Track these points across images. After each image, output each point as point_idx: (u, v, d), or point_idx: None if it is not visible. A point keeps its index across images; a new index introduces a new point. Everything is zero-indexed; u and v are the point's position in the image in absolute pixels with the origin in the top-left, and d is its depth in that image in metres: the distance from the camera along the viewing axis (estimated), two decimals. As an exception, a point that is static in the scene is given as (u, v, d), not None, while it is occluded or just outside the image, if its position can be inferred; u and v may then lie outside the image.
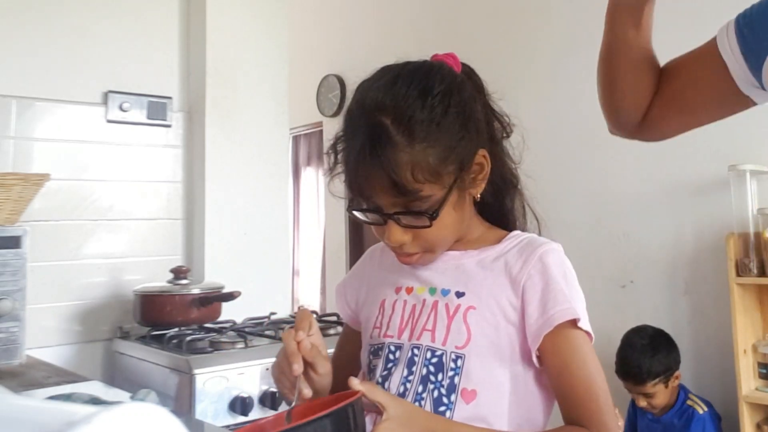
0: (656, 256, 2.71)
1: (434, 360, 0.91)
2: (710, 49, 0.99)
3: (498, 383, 0.90)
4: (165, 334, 2.03)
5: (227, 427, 1.74)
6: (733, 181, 2.38)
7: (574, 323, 0.89)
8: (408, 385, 0.91)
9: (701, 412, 2.33)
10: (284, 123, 2.62)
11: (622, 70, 1.05)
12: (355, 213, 0.93)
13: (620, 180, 2.84)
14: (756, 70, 0.93)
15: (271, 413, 1.86)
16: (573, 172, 2.97)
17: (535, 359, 0.90)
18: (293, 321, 2.42)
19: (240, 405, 1.84)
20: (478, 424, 0.88)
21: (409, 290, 0.98)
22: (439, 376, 0.90)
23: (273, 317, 2.28)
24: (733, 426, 2.32)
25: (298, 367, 0.86)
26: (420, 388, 0.90)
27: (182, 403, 1.81)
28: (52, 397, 1.33)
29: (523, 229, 1.02)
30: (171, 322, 2.08)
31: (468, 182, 0.92)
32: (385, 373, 0.94)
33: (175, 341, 1.98)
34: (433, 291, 0.95)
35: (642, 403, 2.38)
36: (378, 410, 0.82)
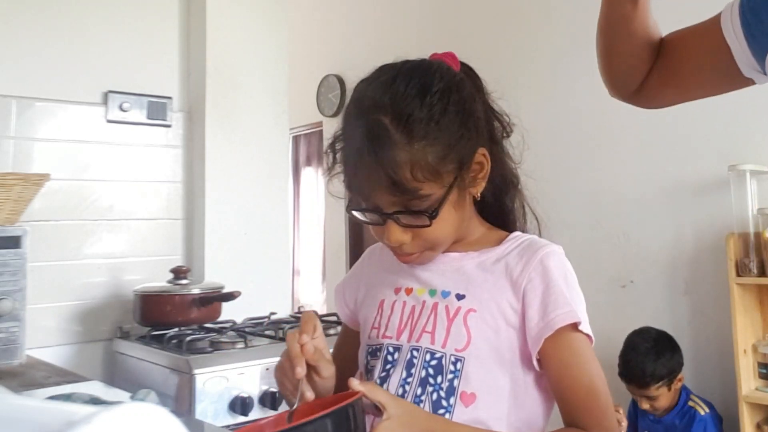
0: (656, 256, 2.71)
1: (433, 362, 0.90)
2: (714, 27, 0.98)
3: (497, 386, 0.90)
4: (165, 334, 2.03)
5: (227, 427, 1.74)
6: (733, 181, 2.38)
7: (574, 326, 0.89)
8: (407, 387, 0.91)
9: (703, 413, 2.33)
10: (284, 123, 2.62)
11: (619, 43, 1.04)
12: (355, 213, 0.92)
13: (620, 180, 2.83)
14: (759, 57, 0.92)
15: (271, 413, 1.86)
16: (573, 172, 2.97)
17: (535, 363, 0.90)
18: (293, 321, 2.44)
19: (240, 405, 1.84)
20: (477, 426, 0.88)
21: (409, 291, 0.97)
22: (439, 379, 0.90)
23: (273, 317, 2.28)
24: (733, 426, 2.32)
25: (301, 371, 0.85)
26: (419, 391, 0.90)
27: (182, 403, 1.81)
28: (52, 397, 1.33)
29: (524, 230, 1.01)
30: (171, 322, 2.08)
31: (468, 181, 0.91)
32: (384, 374, 0.94)
33: (175, 341, 1.98)
34: (433, 293, 0.95)
35: (645, 405, 2.38)
36: (377, 412, 0.82)
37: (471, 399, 0.88)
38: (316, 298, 4.69)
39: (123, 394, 1.48)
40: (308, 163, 4.90)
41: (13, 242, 1.75)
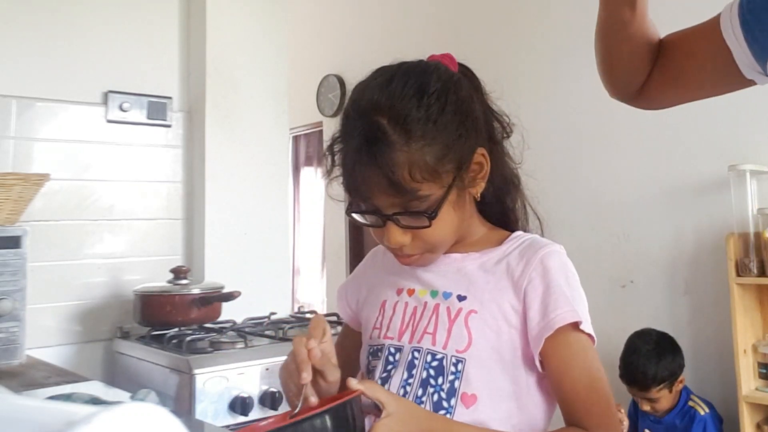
0: (656, 256, 2.71)
1: (434, 363, 0.90)
2: (713, 29, 0.98)
3: (498, 388, 0.90)
4: (165, 334, 2.03)
5: (227, 427, 1.74)
6: (733, 181, 2.38)
7: (575, 326, 0.89)
8: (408, 388, 0.91)
9: (702, 413, 2.32)
10: (284, 123, 2.62)
11: (619, 47, 1.04)
12: (354, 216, 0.92)
13: (620, 180, 2.84)
14: (761, 59, 0.92)
15: (271, 413, 1.86)
16: (573, 172, 2.97)
17: (537, 363, 0.90)
18: (293, 321, 2.44)
19: (240, 405, 1.84)
20: (477, 426, 0.87)
21: (411, 292, 0.97)
22: (439, 380, 0.90)
23: (273, 317, 2.28)
24: (733, 426, 2.32)
25: (306, 376, 0.84)
26: (420, 392, 0.90)
27: (182, 403, 1.81)
28: (52, 397, 1.33)
29: (526, 230, 1.01)
30: (171, 322, 2.08)
31: (467, 181, 0.91)
32: (385, 375, 0.94)
33: (175, 341, 1.98)
34: (434, 294, 0.95)
35: (646, 407, 2.38)
36: (378, 412, 0.82)
37: (472, 400, 0.88)
38: (316, 298, 4.69)
39: (123, 394, 1.48)
40: (308, 163, 4.90)
41: (13, 242, 1.75)
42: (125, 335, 2.18)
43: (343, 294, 1.11)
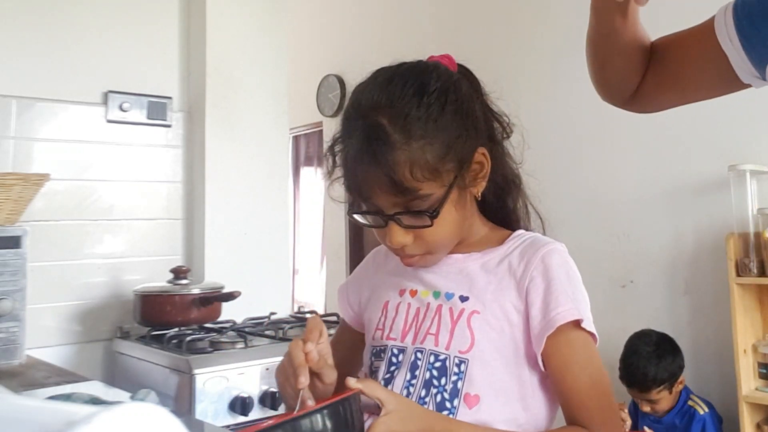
0: (656, 256, 2.71)
1: (437, 364, 0.90)
2: (708, 34, 0.97)
3: (502, 388, 0.90)
4: (165, 334, 2.03)
5: (227, 427, 1.74)
6: (733, 181, 2.38)
7: (577, 324, 0.89)
8: (411, 389, 0.91)
9: (702, 412, 2.33)
10: (284, 123, 2.62)
11: (609, 54, 1.03)
12: (356, 217, 0.92)
13: (620, 180, 2.84)
14: (759, 66, 0.92)
15: (271, 413, 1.86)
16: (573, 172, 2.97)
17: (540, 363, 0.90)
18: (293, 321, 2.44)
19: (240, 405, 1.84)
20: (477, 425, 0.87)
21: (413, 293, 0.97)
22: (442, 381, 0.90)
23: (273, 317, 2.28)
24: (733, 426, 2.32)
25: (304, 380, 0.84)
26: (423, 393, 0.90)
27: (182, 403, 1.81)
28: (52, 397, 1.33)
29: (527, 229, 1.01)
30: (171, 322, 2.08)
31: (468, 181, 0.91)
32: (388, 376, 0.94)
33: (175, 341, 1.98)
34: (437, 294, 0.95)
35: (646, 408, 2.38)
36: (378, 411, 0.82)
37: (475, 401, 0.88)
38: (315, 298, 4.69)
39: (123, 394, 1.48)
40: (308, 163, 4.90)
41: (13, 242, 1.75)
42: (125, 335, 2.18)
43: (344, 294, 1.10)
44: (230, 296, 2.10)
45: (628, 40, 1.00)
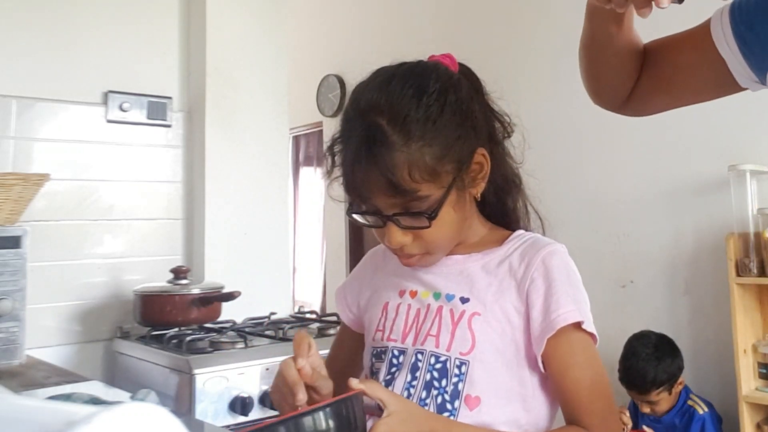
0: (656, 256, 2.71)
1: (438, 366, 0.90)
2: (703, 38, 0.96)
3: (502, 389, 0.90)
4: (165, 334, 2.03)
5: (227, 427, 1.74)
6: (733, 181, 2.38)
7: (578, 326, 0.89)
8: (411, 391, 0.91)
9: (701, 412, 2.33)
10: (284, 123, 2.62)
11: (605, 61, 1.03)
12: (355, 216, 0.92)
13: (620, 180, 2.84)
14: (759, 71, 0.91)
15: (271, 413, 1.86)
16: (573, 172, 2.97)
17: (540, 364, 0.90)
18: (293, 321, 2.43)
19: (240, 405, 1.84)
20: (478, 428, 0.87)
21: (413, 294, 0.97)
22: (443, 382, 0.90)
23: (273, 317, 2.28)
24: (733, 426, 2.32)
25: (302, 397, 0.83)
26: (423, 394, 0.90)
27: (182, 403, 1.81)
28: (52, 397, 1.33)
29: (527, 229, 1.01)
30: (171, 322, 2.08)
31: (467, 182, 0.91)
32: (389, 377, 0.93)
33: (175, 341, 1.98)
34: (437, 296, 0.95)
35: (645, 409, 2.38)
36: (379, 412, 0.82)
37: (476, 402, 0.88)
38: (315, 298, 4.69)
39: (123, 394, 1.48)
40: (308, 163, 4.90)
41: (13, 242, 1.75)
42: (125, 335, 2.18)
43: (342, 296, 1.10)
44: (230, 296, 2.10)
45: (622, 46, 1.00)
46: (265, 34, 2.59)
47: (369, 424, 0.82)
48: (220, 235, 2.39)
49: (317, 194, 4.73)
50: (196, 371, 1.81)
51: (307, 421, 0.74)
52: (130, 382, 1.99)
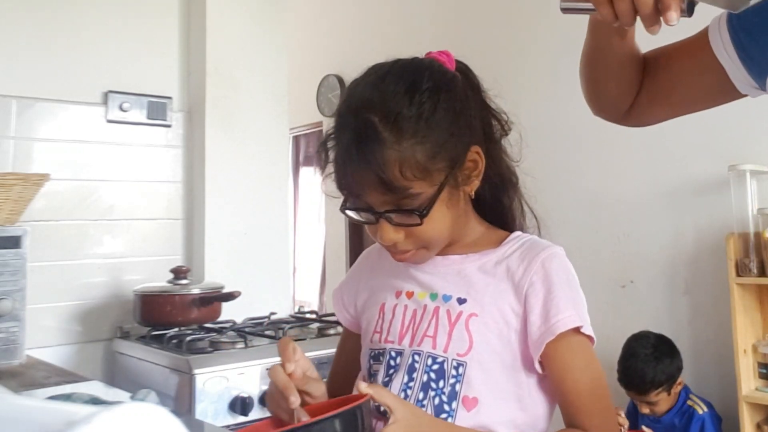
0: (656, 256, 2.71)
1: (435, 367, 0.90)
2: (701, 47, 0.96)
3: (500, 390, 0.89)
4: (165, 334, 2.03)
5: (227, 427, 1.74)
6: (733, 181, 2.38)
7: (576, 330, 0.89)
8: (408, 392, 0.90)
9: (701, 412, 2.33)
10: (284, 123, 2.62)
11: (606, 74, 1.02)
12: (348, 213, 0.92)
13: (620, 180, 2.84)
14: (759, 77, 0.91)
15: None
16: (573, 172, 2.97)
17: (537, 365, 0.90)
18: (293, 321, 2.43)
19: (240, 405, 1.84)
20: (481, 431, 0.88)
21: (410, 295, 0.96)
22: (440, 383, 0.89)
23: (273, 317, 2.28)
24: (733, 426, 2.32)
25: (295, 399, 0.84)
26: (421, 395, 0.90)
27: (182, 403, 1.81)
28: (52, 397, 1.33)
29: (523, 228, 1.00)
30: (171, 322, 2.08)
31: (461, 179, 0.91)
32: (387, 379, 0.93)
33: (175, 341, 1.98)
34: (434, 297, 0.94)
35: (645, 410, 2.38)
36: (380, 416, 0.82)
37: (473, 403, 0.88)
38: (315, 298, 4.69)
39: (123, 394, 1.48)
40: (308, 163, 4.90)
41: (13, 242, 1.75)
42: (125, 335, 2.18)
43: (339, 298, 1.09)
44: (230, 296, 2.10)
45: (625, 57, 0.99)
46: (265, 34, 2.59)
47: (379, 426, 0.81)
48: (220, 235, 2.39)
49: (317, 194, 4.73)
50: (196, 371, 1.81)
51: (315, 430, 0.73)
52: (130, 382, 1.99)
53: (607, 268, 2.83)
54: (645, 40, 1.04)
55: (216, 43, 2.44)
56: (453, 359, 0.90)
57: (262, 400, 1.88)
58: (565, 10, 0.88)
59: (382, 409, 0.83)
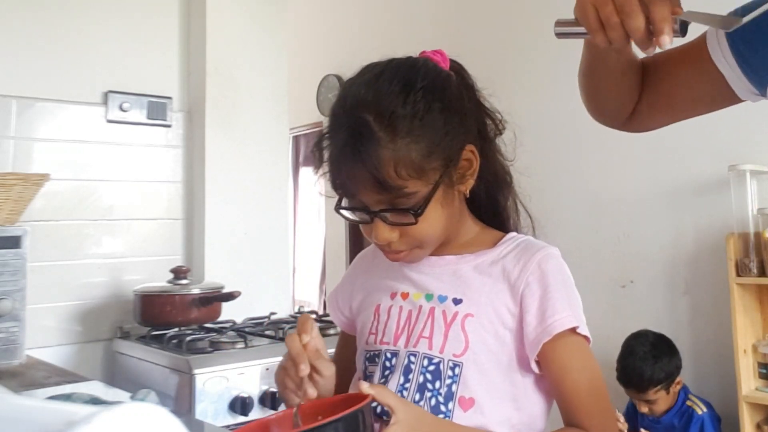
0: (656, 256, 2.71)
1: (431, 368, 0.90)
2: (699, 54, 0.96)
3: (496, 390, 0.89)
4: (165, 334, 2.04)
5: (227, 427, 1.74)
6: (733, 181, 2.38)
7: (573, 330, 0.89)
8: (405, 393, 0.90)
9: (700, 412, 2.32)
10: (284, 123, 2.62)
11: (605, 85, 1.02)
12: (342, 212, 0.92)
13: (620, 180, 2.83)
14: (759, 85, 0.90)
15: (271, 413, 1.86)
16: (573, 171, 2.97)
17: (533, 365, 0.90)
18: (293, 321, 2.43)
19: (240, 405, 1.84)
20: (483, 430, 0.88)
21: (405, 296, 0.96)
22: (437, 384, 0.89)
23: (273, 317, 2.28)
24: (733, 426, 2.32)
25: (305, 368, 0.85)
26: (417, 396, 0.89)
27: (182, 403, 1.81)
28: (52, 397, 1.33)
29: (517, 228, 1.00)
30: (171, 322, 2.09)
31: (456, 178, 0.90)
32: (383, 380, 0.93)
33: (175, 341, 1.98)
34: (429, 297, 0.94)
35: (643, 408, 2.38)
36: (378, 418, 0.82)
37: (470, 404, 0.88)
38: (315, 298, 4.69)
39: (123, 394, 1.48)
40: (308, 163, 4.90)
41: (13, 242, 1.75)
42: (125, 335, 2.18)
43: (335, 301, 1.09)
44: (230, 296, 2.10)
45: (623, 68, 0.99)
46: (265, 34, 2.59)
47: (376, 427, 0.81)
48: (220, 235, 2.39)
49: (317, 194, 4.73)
50: (196, 371, 1.81)
51: None
52: (130, 382, 1.99)
53: (607, 268, 2.83)
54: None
55: (216, 43, 2.44)
56: (449, 360, 0.89)
57: (263, 400, 1.88)
58: (559, 35, 0.89)
59: (379, 411, 0.82)
